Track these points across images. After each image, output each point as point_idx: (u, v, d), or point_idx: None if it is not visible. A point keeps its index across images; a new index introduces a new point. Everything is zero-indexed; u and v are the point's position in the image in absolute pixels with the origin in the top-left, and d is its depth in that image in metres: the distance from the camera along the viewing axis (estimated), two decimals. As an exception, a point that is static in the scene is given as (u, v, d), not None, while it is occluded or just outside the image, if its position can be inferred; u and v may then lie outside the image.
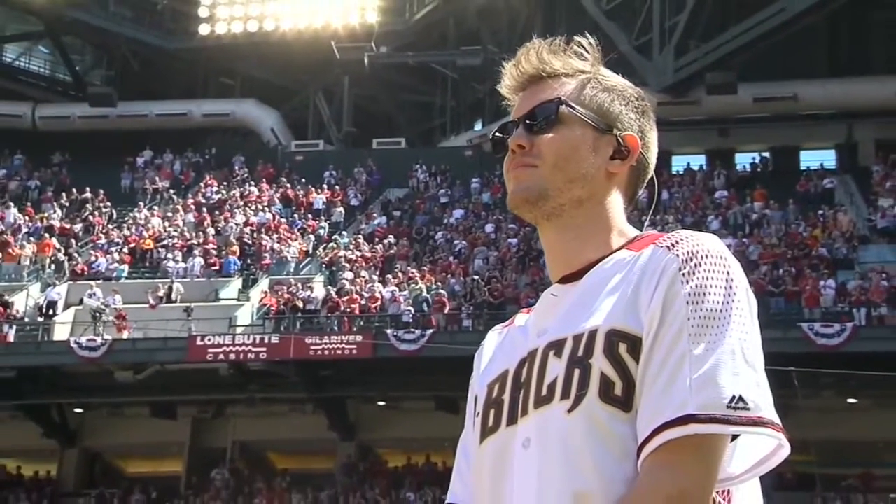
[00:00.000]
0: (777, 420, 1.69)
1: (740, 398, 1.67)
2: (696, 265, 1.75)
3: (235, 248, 34.28)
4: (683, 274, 1.75)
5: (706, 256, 1.77)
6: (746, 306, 1.76)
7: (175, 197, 39.32)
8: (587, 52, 1.99)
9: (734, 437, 1.71)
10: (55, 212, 38.04)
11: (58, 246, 35.32)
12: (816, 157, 40.16)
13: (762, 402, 1.68)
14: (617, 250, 1.90)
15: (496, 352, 1.99)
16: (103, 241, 35.74)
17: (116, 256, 34.29)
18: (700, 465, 1.67)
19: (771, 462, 1.76)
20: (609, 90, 1.96)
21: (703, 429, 1.65)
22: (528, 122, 1.93)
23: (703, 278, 1.74)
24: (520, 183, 1.91)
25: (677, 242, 1.80)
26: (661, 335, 1.71)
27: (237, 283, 33.07)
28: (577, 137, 1.91)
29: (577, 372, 1.75)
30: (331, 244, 34.88)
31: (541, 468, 1.74)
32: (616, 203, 1.96)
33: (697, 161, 40.36)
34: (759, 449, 1.75)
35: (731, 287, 1.75)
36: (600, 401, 1.71)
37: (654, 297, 1.74)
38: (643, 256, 1.83)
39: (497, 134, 2.00)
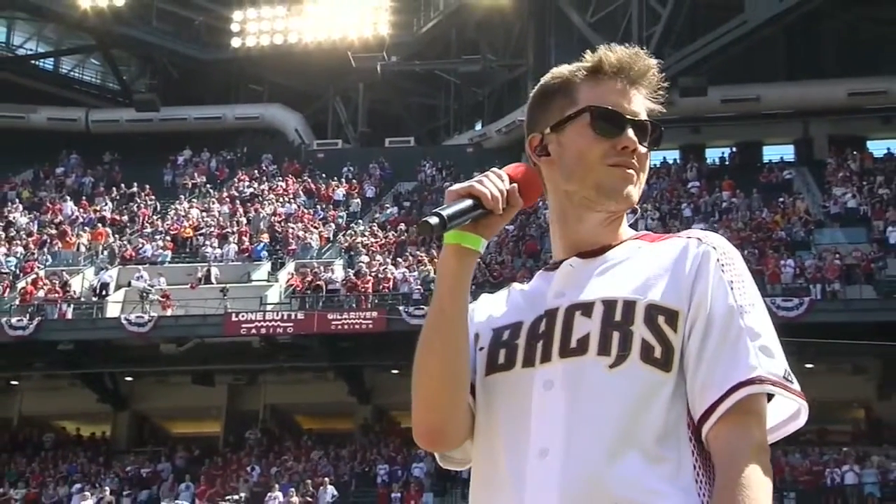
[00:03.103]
0: None
1: (789, 372, 1.80)
2: (730, 258, 1.85)
3: (265, 235, 34.30)
4: (723, 264, 1.83)
5: (733, 252, 1.87)
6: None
7: (211, 191, 39.33)
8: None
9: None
10: (107, 204, 38.07)
11: (109, 234, 35.36)
12: (777, 152, 40.12)
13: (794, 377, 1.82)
14: (630, 239, 1.95)
15: (501, 306, 2.00)
16: (149, 229, 35.78)
17: (160, 243, 34.31)
18: (764, 421, 1.79)
19: (788, 428, 1.90)
20: (654, 113, 1.97)
21: (772, 389, 1.77)
22: (643, 132, 1.92)
23: (739, 268, 1.84)
24: (631, 187, 1.90)
25: (705, 237, 1.88)
26: (714, 314, 1.79)
27: (267, 266, 33.07)
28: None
29: (616, 334, 1.79)
30: (349, 231, 34.88)
31: (570, 407, 1.77)
32: None
33: (672, 156, 40.31)
34: (775, 416, 1.86)
35: (751, 277, 1.86)
36: (642, 362, 1.76)
37: (697, 281, 1.81)
38: (670, 246, 1.88)
39: (615, 111, 1.90)
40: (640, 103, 1.92)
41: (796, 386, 1.79)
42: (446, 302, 1.86)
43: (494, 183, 1.84)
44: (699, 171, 37.65)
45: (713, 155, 40.54)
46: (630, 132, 1.89)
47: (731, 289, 1.79)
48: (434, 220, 1.77)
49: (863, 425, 30.03)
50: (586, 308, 1.83)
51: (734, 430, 1.73)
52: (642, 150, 1.91)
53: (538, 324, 1.88)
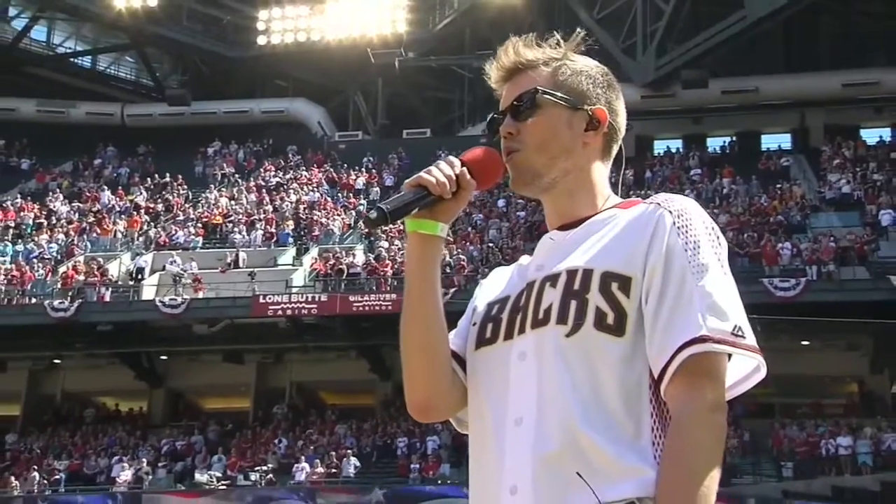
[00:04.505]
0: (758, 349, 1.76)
1: (740, 328, 1.72)
2: (687, 220, 1.79)
3: (290, 222, 34.35)
4: (678, 227, 1.78)
5: (692, 214, 1.80)
6: (725, 253, 1.80)
7: (240, 180, 39.38)
8: (558, 42, 1.99)
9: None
10: (141, 193, 38.19)
11: (144, 222, 35.49)
12: (775, 140, 39.88)
13: (751, 333, 1.74)
14: (608, 209, 1.92)
15: (503, 281, 2.01)
16: (181, 217, 35.88)
17: (192, 230, 34.41)
18: (719, 380, 1.73)
19: (746, 384, 1.83)
20: (577, 72, 1.95)
21: (716, 347, 1.70)
22: (512, 111, 1.93)
23: (695, 231, 1.78)
24: (515, 170, 1.93)
25: (664, 201, 1.83)
26: (668, 278, 1.74)
27: (292, 251, 33.15)
28: (553, 119, 1.92)
29: (573, 304, 1.78)
30: (369, 218, 34.83)
31: (539, 376, 1.78)
32: (597, 167, 1.97)
33: (675, 145, 40.13)
34: (734, 373, 1.80)
35: (717, 238, 1.80)
36: (595, 329, 1.75)
37: (652, 246, 1.77)
38: (632, 212, 1.85)
39: (496, 115, 2.00)
40: (518, 87, 1.95)
41: (748, 341, 1.73)
42: (413, 284, 1.92)
43: (442, 170, 1.86)
44: (701, 159, 37.50)
45: (714, 144, 40.32)
46: (507, 121, 1.93)
47: (686, 251, 1.75)
48: (374, 213, 1.79)
49: (856, 398, 29.94)
50: (554, 279, 1.83)
51: (685, 390, 1.70)
52: (523, 122, 1.92)
53: (520, 297, 1.89)
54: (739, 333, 1.72)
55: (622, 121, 1.99)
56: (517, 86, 1.95)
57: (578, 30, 2.03)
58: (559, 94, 1.92)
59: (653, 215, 1.81)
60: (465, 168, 1.88)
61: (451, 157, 1.89)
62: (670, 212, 1.80)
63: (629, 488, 1.69)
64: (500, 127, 1.94)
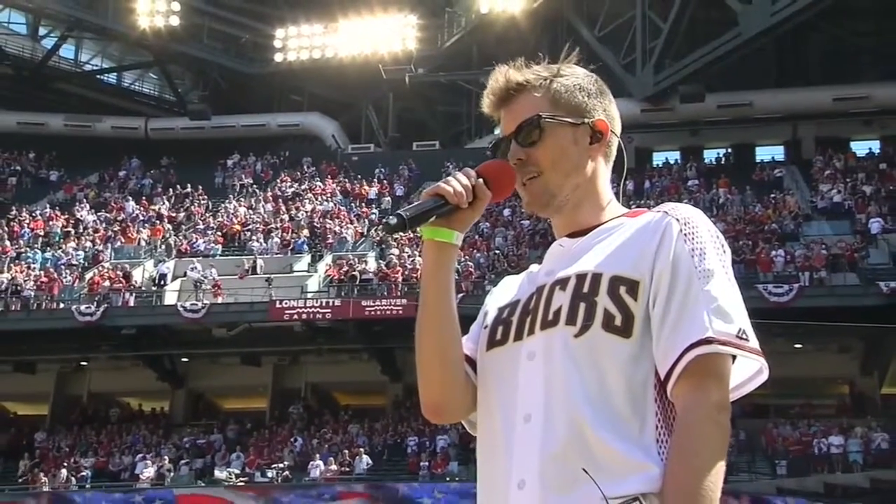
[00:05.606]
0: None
1: (744, 331, 1.73)
2: (693, 227, 1.78)
3: (305, 230, 34.37)
4: (685, 234, 1.77)
5: (698, 221, 1.80)
6: (729, 260, 1.81)
7: (257, 191, 39.44)
8: (549, 62, 1.97)
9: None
10: (164, 203, 38.27)
11: (167, 230, 35.54)
12: (768, 152, 39.82)
13: (754, 336, 1.74)
14: (616, 217, 1.91)
15: (514, 287, 2.01)
16: (202, 226, 35.94)
17: (212, 238, 34.46)
18: (724, 381, 1.73)
19: (749, 385, 1.83)
20: (570, 88, 1.93)
21: (721, 349, 1.70)
22: (517, 137, 1.92)
23: (701, 238, 1.78)
24: (531, 194, 1.93)
25: (671, 209, 1.83)
26: (675, 282, 1.74)
27: (307, 258, 33.16)
28: (561, 139, 1.91)
29: (582, 306, 1.77)
30: (381, 226, 34.83)
31: (548, 375, 1.77)
32: (602, 175, 1.96)
33: (673, 156, 40.10)
34: (738, 375, 1.80)
35: (721, 246, 1.80)
36: (603, 330, 1.74)
37: (659, 252, 1.76)
38: (641, 220, 1.85)
39: (500, 138, 1.99)
40: (517, 113, 1.93)
41: (752, 344, 1.73)
42: (429, 289, 1.91)
43: (459, 180, 1.86)
44: (698, 170, 37.44)
45: (710, 155, 40.25)
46: (512, 148, 1.92)
47: (692, 257, 1.75)
48: (394, 220, 1.80)
49: (847, 399, 29.82)
50: (564, 283, 1.83)
51: (691, 390, 1.69)
52: (531, 148, 1.90)
53: (529, 301, 1.89)
54: (744, 336, 1.72)
55: (618, 123, 1.99)
56: (518, 109, 1.94)
57: (577, 50, 2.02)
58: (560, 114, 1.91)
59: (660, 223, 1.80)
60: (480, 179, 1.88)
61: (468, 169, 1.89)
62: (677, 219, 1.80)
63: (634, 484, 1.68)
64: (509, 155, 1.94)
